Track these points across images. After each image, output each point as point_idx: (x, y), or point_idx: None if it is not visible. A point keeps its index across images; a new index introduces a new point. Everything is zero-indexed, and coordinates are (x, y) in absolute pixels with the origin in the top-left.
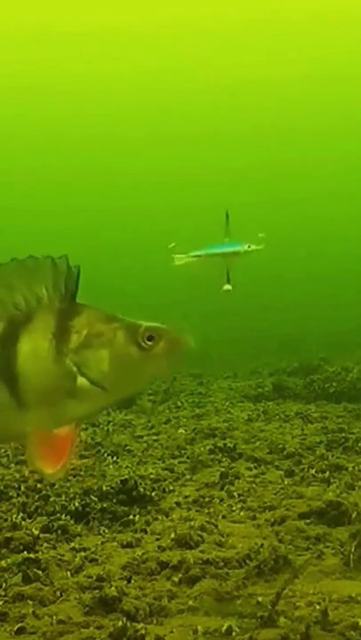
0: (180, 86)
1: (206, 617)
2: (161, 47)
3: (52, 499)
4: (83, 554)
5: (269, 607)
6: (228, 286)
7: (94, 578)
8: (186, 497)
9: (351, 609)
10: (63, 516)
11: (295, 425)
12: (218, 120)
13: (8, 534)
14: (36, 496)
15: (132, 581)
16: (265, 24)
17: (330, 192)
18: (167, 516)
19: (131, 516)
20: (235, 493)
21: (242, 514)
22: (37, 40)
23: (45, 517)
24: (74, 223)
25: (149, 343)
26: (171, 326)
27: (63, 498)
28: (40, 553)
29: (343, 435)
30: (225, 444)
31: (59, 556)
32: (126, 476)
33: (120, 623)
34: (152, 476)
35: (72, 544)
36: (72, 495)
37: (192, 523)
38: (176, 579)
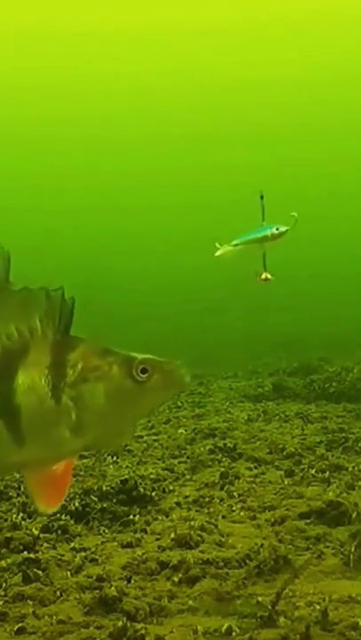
0: (180, 86)
1: (206, 617)
2: (161, 47)
3: None
4: (83, 554)
5: (269, 607)
6: (266, 274)
7: (94, 578)
8: (186, 497)
9: (351, 609)
10: (63, 516)
11: (295, 425)
12: (218, 120)
13: (8, 534)
14: None
15: (132, 581)
16: (265, 24)
17: (330, 192)
18: (167, 516)
19: (131, 516)
20: (235, 493)
21: (242, 514)
22: (37, 40)
23: (45, 517)
24: (74, 223)
25: (143, 376)
26: (166, 359)
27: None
28: (40, 553)
29: (343, 435)
30: (225, 444)
31: (59, 556)
32: (126, 476)
33: (120, 623)
34: (152, 476)
35: (72, 544)
36: (72, 495)
37: (192, 523)
38: (176, 579)
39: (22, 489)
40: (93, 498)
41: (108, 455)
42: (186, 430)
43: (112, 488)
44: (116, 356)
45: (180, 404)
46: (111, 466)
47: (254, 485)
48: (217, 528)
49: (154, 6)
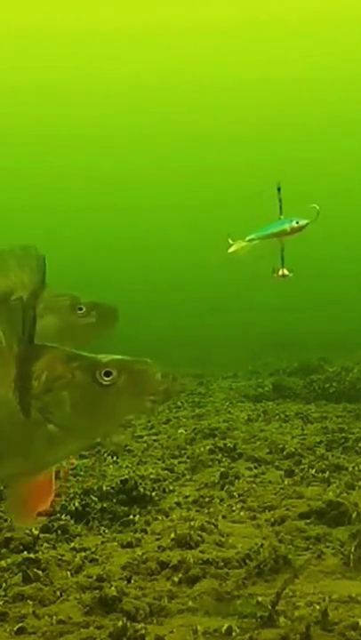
0: (181, 86)
1: (206, 617)
2: (161, 47)
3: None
4: (83, 554)
5: (269, 607)
6: (284, 270)
7: (94, 578)
8: (186, 497)
9: (351, 609)
10: (63, 516)
11: (295, 425)
12: (218, 120)
13: (8, 534)
14: None
15: (132, 581)
16: (265, 24)
17: (330, 192)
18: (167, 516)
19: (131, 516)
20: (235, 493)
21: (242, 514)
22: (38, 40)
23: (45, 517)
24: (74, 223)
25: (108, 379)
26: (134, 359)
27: (63, 498)
28: (40, 553)
29: (343, 435)
30: (225, 444)
31: (59, 556)
32: (126, 476)
33: (120, 623)
34: (152, 476)
35: (72, 544)
36: (72, 495)
37: (192, 523)
38: (176, 579)
39: None
40: (93, 498)
41: (108, 455)
42: (186, 430)
43: (112, 488)
44: (81, 360)
45: (180, 404)
46: (111, 466)
47: (254, 485)
48: (217, 528)
49: (154, 6)
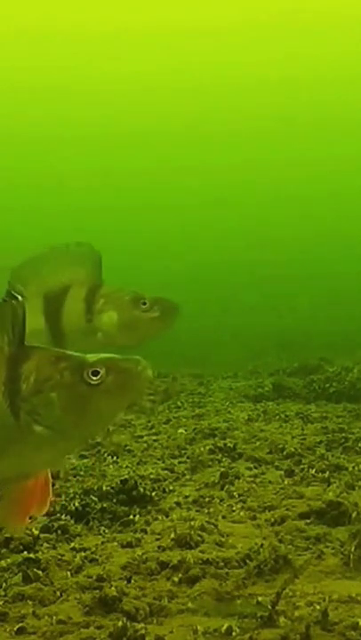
0: (181, 86)
1: (206, 617)
2: (161, 47)
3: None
4: (83, 554)
5: (269, 607)
6: None
7: (94, 578)
8: (186, 497)
9: (351, 609)
10: (63, 516)
11: (295, 425)
12: (218, 120)
13: (8, 534)
14: None
15: (132, 581)
16: (265, 24)
17: (330, 192)
18: (167, 516)
19: (131, 516)
20: (235, 493)
21: (242, 514)
22: (38, 40)
23: (45, 517)
24: (74, 223)
25: (96, 379)
26: (122, 358)
27: (63, 498)
28: (40, 553)
29: (343, 435)
30: (225, 444)
31: (59, 556)
32: (126, 476)
33: (120, 623)
34: (152, 476)
35: (72, 544)
36: (72, 495)
37: (192, 523)
38: (176, 579)
39: None
40: (93, 498)
41: (108, 455)
42: (186, 430)
43: (112, 488)
44: (69, 361)
45: (180, 404)
46: (111, 466)
47: (254, 485)
48: (217, 528)
49: (154, 6)
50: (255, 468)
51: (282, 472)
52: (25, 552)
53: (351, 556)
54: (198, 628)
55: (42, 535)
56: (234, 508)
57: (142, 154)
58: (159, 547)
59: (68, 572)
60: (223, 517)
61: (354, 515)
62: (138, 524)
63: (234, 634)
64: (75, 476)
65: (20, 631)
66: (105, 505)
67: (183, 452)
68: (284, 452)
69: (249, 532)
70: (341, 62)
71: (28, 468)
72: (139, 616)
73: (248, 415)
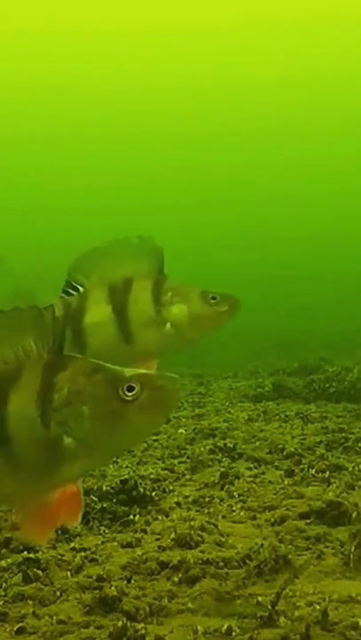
0: (181, 86)
1: (206, 617)
2: (161, 47)
3: None
4: (83, 554)
5: (269, 607)
6: None
7: (94, 578)
8: (186, 497)
9: (351, 609)
10: None
11: (295, 425)
12: (218, 120)
13: (8, 534)
14: None
15: (132, 581)
16: (265, 25)
17: (330, 192)
18: (167, 516)
19: (131, 516)
20: (235, 493)
21: (242, 514)
22: (38, 40)
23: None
24: (73, 224)
25: (130, 394)
26: (157, 374)
27: None
28: (40, 553)
29: (343, 435)
30: (225, 444)
31: (59, 556)
32: (126, 476)
33: (120, 623)
34: (152, 476)
35: (72, 544)
36: None
37: (192, 523)
38: (176, 579)
39: None
40: (93, 498)
41: None
42: (186, 430)
43: (112, 488)
44: (105, 374)
45: (180, 404)
46: (111, 466)
47: (254, 485)
48: (217, 528)
49: (154, 6)
50: (255, 467)
51: (282, 472)
52: (25, 552)
53: (351, 556)
54: (198, 627)
55: None
56: (234, 508)
57: (142, 154)
58: (159, 547)
59: (68, 572)
60: (223, 517)
61: (354, 515)
62: (138, 523)
63: (234, 634)
64: None
65: (20, 631)
66: (105, 505)
67: (183, 451)
68: (284, 452)
69: (249, 532)
70: (342, 62)
71: (53, 480)
72: (139, 616)
73: (248, 415)
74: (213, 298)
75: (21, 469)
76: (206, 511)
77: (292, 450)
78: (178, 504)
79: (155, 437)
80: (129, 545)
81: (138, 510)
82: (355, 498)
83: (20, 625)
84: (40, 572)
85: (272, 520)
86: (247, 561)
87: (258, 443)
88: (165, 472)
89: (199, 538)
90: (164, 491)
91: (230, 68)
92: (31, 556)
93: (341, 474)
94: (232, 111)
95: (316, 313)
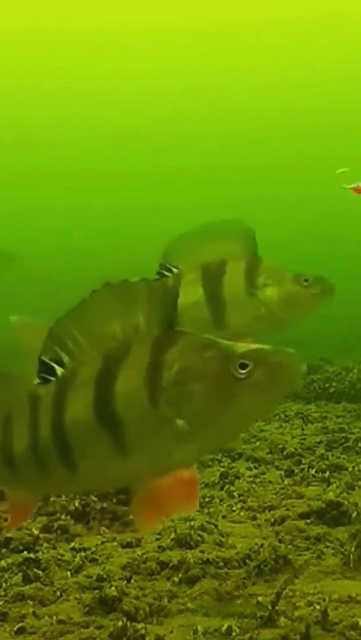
0: (182, 86)
1: (206, 617)
2: (161, 47)
3: (52, 499)
4: (83, 554)
5: (269, 607)
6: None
7: (94, 578)
8: None
9: (351, 609)
10: (63, 516)
11: (295, 425)
12: (218, 120)
13: (8, 534)
14: None
15: (132, 581)
16: (265, 25)
17: (332, 192)
18: (167, 516)
19: (131, 516)
20: (235, 493)
21: (242, 514)
22: (38, 40)
23: (45, 517)
24: (74, 224)
25: (243, 372)
26: (273, 349)
27: (63, 498)
28: (40, 553)
29: (343, 435)
30: None
31: (59, 556)
32: None
33: (120, 623)
34: None
35: (72, 544)
36: (72, 495)
37: (192, 523)
38: (176, 579)
39: None
40: (93, 498)
41: None
42: None
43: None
44: (216, 350)
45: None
46: None
47: (254, 485)
48: (217, 528)
49: (154, 6)
50: (255, 467)
51: (282, 472)
52: (25, 552)
53: (351, 556)
54: (198, 628)
55: (42, 535)
56: (234, 508)
57: (142, 154)
58: (159, 547)
59: (68, 572)
60: (223, 517)
61: (354, 515)
62: None
63: (234, 634)
64: None
65: (20, 631)
66: (105, 505)
67: None
68: (284, 452)
69: (249, 532)
70: (342, 63)
71: (165, 463)
72: (139, 616)
73: None
74: (306, 280)
75: (131, 452)
76: (206, 511)
77: (292, 450)
78: None
79: None
80: (129, 545)
81: None
82: (355, 498)
83: (20, 625)
84: (40, 571)
85: (272, 520)
86: (247, 561)
87: (258, 443)
88: None
89: (199, 538)
90: None
91: (230, 69)
92: (31, 555)
93: (341, 474)
94: (233, 112)
95: (316, 312)
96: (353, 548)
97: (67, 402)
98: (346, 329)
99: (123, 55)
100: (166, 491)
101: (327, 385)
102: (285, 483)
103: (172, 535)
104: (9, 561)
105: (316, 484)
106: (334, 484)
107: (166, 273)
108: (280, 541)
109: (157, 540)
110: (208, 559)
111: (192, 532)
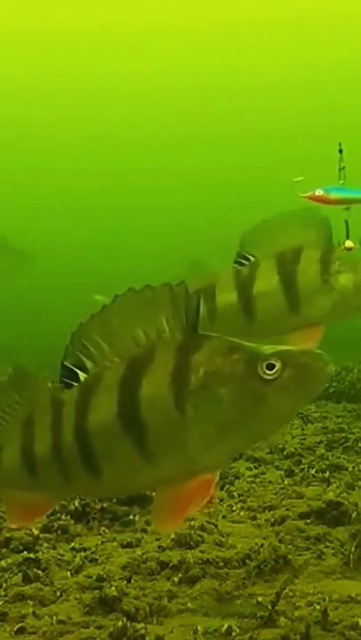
0: (182, 86)
1: (206, 617)
2: (161, 48)
3: None
4: (83, 554)
5: (269, 607)
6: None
7: (94, 578)
8: None
9: (351, 609)
10: (63, 516)
11: (295, 425)
12: (218, 121)
13: (8, 534)
14: None
15: (132, 581)
16: (265, 25)
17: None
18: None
19: (131, 516)
20: (235, 493)
21: (242, 514)
22: (38, 40)
23: (45, 517)
24: (74, 224)
25: (270, 372)
26: (301, 350)
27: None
28: (40, 553)
29: (343, 435)
30: None
31: (59, 556)
32: None
33: (120, 623)
34: None
35: (72, 544)
36: (72, 495)
37: (192, 523)
38: (176, 579)
39: None
40: None
41: None
42: None
43: None
44: (242, 352)
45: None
46: None
47: (254, 485)
48: (217, 528)
49: (154, 6)
50: (255, 468)
51: (282, 472)
52: (25, 552)
53: (351, 556)
54: (198, 628)
55: (42, 535)
56: (234, 508)
57: (142, 154)
58: (159, 547)
59: (68, 572)
60: (223, 517)
61: (354, 515)
62: (138, 523)
63: (234, 634)
64: None
65: (20, 631)
66: (105, 505)
67: None
68: (284, 452)
69: (249, 532)
70: (342, 63)
71: (188, 468)
72: (139, 616)
73: None
74: None
75: (156, 457)
76: (206, 511)
77: (292, 450)
78: None
79: None
80: (129, 545)
81: (138, 510)
82: (355, 498)
83: (20, 625)
84: (40, 571)
85: (272, 520)
86: (247, 561)
87: (258, 443)
88: None
89: (199, 538)
90: None
91: (230, 69)
92: (31, 555)
93: (341, 474)
94: (233, 112)
95: None
96: (353, 548)
97: (91, 407)
98: (346, 329)
99: (123, 55)
100: (188, 493)
101: (327, 385)
102: (285, 483)
103: (172, 535)
104: (9, 561)
105: (316, 483)
106: (334, 484)
107: (243, 261)
108: (280, 541)
109: (157, 539)
110: (208, 559)
111: (192, 532)
